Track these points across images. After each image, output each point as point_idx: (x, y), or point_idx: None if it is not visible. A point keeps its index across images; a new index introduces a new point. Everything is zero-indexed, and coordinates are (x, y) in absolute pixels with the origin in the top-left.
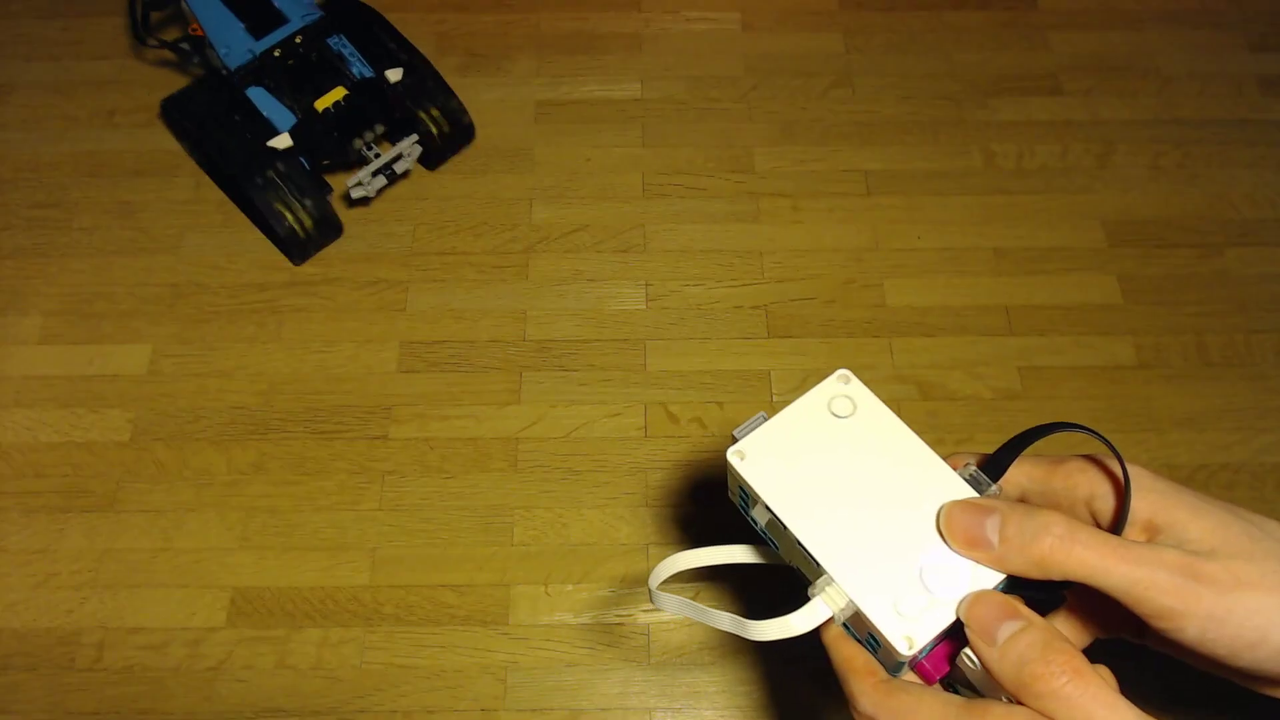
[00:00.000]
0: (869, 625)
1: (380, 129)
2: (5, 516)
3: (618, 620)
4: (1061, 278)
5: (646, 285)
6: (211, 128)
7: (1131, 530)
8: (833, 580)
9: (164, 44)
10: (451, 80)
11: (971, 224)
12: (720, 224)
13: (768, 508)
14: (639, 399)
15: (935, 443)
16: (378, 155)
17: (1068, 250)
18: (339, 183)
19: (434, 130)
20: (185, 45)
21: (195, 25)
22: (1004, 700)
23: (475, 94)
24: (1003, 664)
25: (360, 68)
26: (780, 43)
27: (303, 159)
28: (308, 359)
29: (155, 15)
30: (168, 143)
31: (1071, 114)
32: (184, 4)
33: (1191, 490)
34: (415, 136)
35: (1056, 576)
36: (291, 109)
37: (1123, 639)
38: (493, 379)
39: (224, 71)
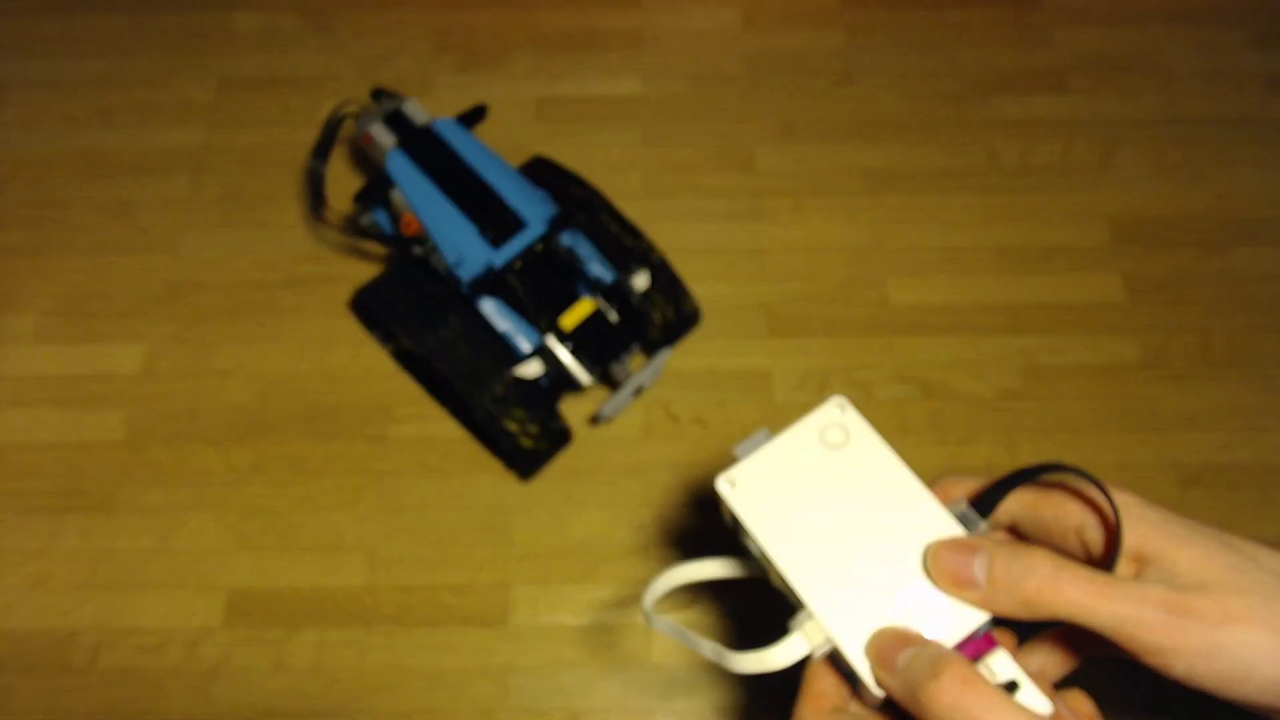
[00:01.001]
0: (848, 664)
1: (635, 349)
2: (1, 517)
3: (618, 621)
4: (1065, 276)
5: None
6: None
7: (1120, 561)
8: (813, 616)
9: (354, 231)
10: (450, 78)
11: (974, 223)
12: (721, 222)
13: (753, 539)
14: (639, 399)
15: (938, 442)
16: (629, 374)
17: (1071, 249)
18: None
19: (658, 320)
20: (380, 235)
21: (411, 223)
22: None
23: (474, 92)
24: (900, 686)
25: (599, 269)
26: (781, 40)
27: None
28: (305, 358)
29: (350, 210)
30: (165, 141)
31: (1075, 112)
32: (399, 196)
33: (1180, 518)
34: (670, 352)
35: (1044, 616)
36: (527, 316)
37: (1114, 658)
38: None
39: (449, 279)
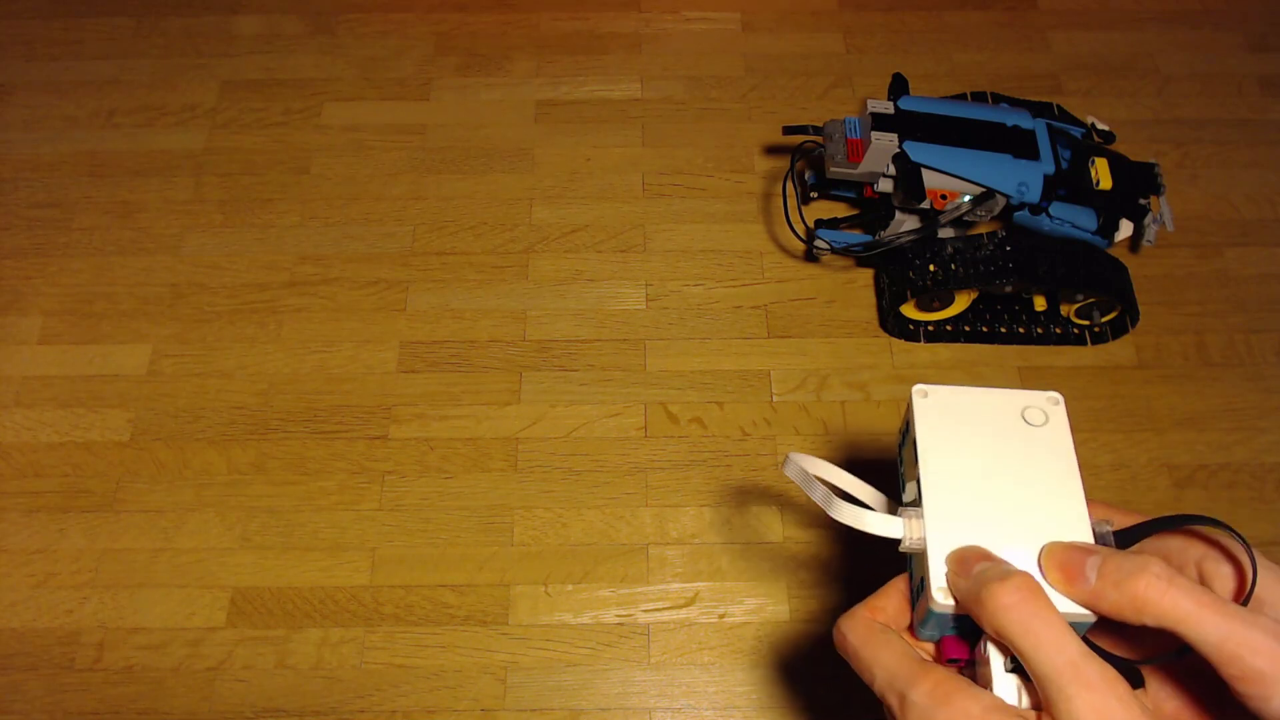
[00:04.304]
0: (924, 568)
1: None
2: (5, 516)
3: (617, 620)
4: None
5: (646, 285)
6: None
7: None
8: (922, 515)
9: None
10: (451, 80)
11: None
12: (720, 224)
13: (914, 441)
14: (639, 399)
15: None
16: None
17: None
18: None
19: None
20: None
21: (939, 197)
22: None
23: (475, 94)
24: (969, 586)
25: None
26: (780, 43)
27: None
28: (307, 359)
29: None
30: (168, 143)
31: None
32: (908, 182)
33: None
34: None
35: (1150, 620)
36: (1094, 202)
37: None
38: (493, 379)
39: (1020, 207)
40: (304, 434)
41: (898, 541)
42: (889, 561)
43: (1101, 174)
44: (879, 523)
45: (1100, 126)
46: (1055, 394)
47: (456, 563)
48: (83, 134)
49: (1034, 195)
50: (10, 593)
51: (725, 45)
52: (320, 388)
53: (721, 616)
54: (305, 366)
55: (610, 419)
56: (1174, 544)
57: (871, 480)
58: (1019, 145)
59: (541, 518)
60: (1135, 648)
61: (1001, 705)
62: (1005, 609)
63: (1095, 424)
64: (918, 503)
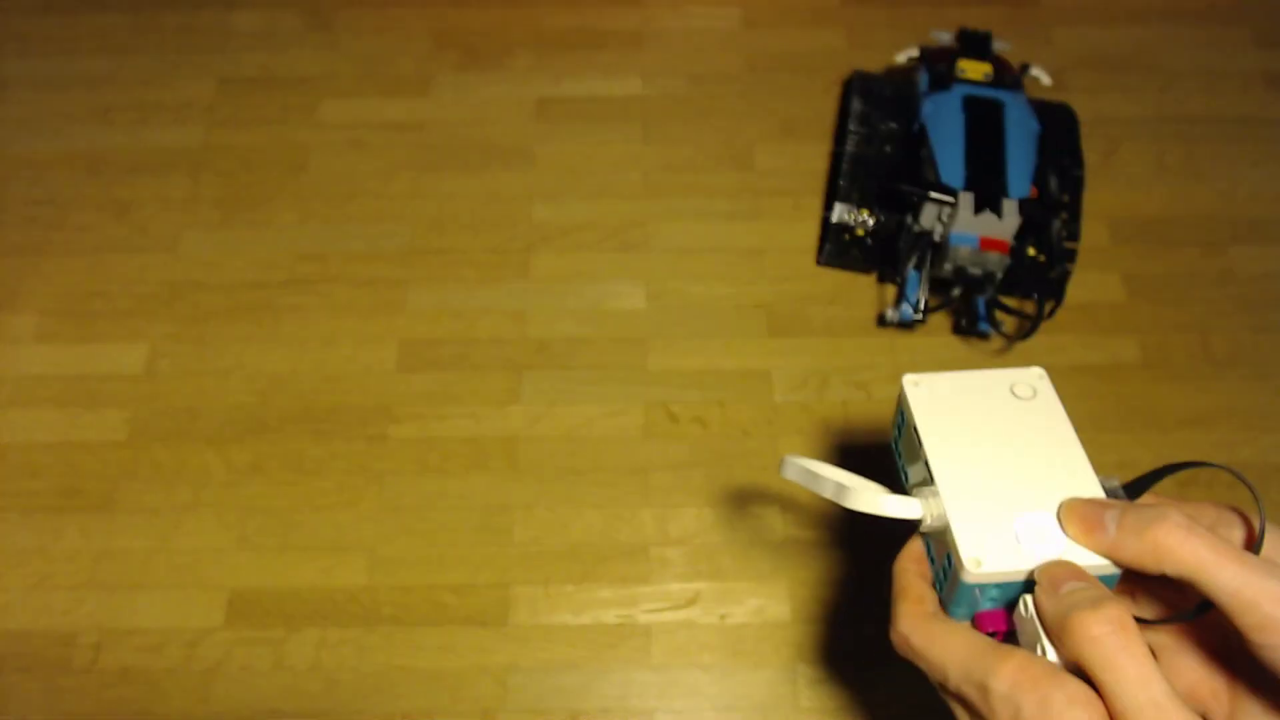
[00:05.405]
0: (949, 543)
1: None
2: (1, 517)
3: (618, 621)
4: None
5: (647, 284)
6: None
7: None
8: (938, 493)
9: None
10: (450, 78)
11: None
12: (721, 222)
13: (915, 429)
14: (639, 399)
15: None
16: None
17: None
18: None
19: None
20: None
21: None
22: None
23: (474, 91)
24: (1057, 607)
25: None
26: (782, 39)
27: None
28: (305, 358)
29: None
30: (164, 140)
31: (1075, 111)
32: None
33: None
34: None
35: (1169, 568)
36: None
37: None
38: (493, 379)
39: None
40: (302, 433)
41: (917, 524)
42: (889, 560)
43: (978, 69)
44: (897, 505)
45: (940, 36)
46: (1039, 369)
47: (456, 563)
48: (78, 131)
49: (1037, 127)
50: (5, 594)
51: (727, 42)
52: (318, 387)
53: (723, 617)
54: (303, 365)
55: (610, 419)
56: (1186, 511)
57: (871, 478)
58: (1000, 119)
59: (541, 518)
60: (1153, 609)
61: (1088, 697)
62: (1093, 640)
63: (1098, 423)
64: (927, 485)
